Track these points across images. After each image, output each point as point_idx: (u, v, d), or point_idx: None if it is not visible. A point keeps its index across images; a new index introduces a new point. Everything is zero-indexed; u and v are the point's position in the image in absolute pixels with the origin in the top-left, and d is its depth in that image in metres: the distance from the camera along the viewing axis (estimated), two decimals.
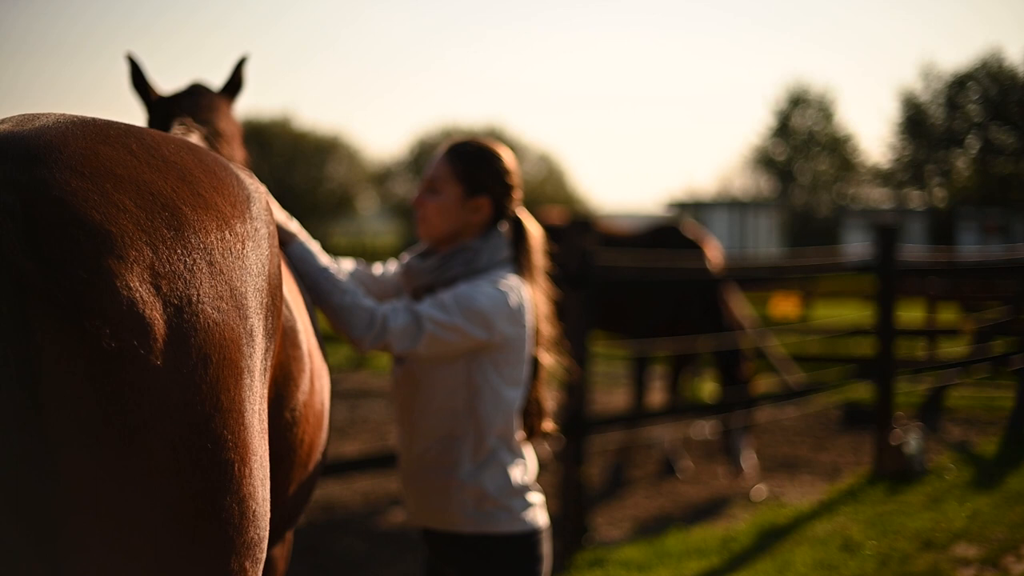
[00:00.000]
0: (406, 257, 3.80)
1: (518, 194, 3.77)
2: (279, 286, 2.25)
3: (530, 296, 3.68)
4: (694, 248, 10.45)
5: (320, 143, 64.65)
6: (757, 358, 15.07)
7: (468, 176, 3.66)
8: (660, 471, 10.39)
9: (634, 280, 9.44)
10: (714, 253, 10.62)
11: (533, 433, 3.78)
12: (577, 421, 7.61)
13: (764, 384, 12.34)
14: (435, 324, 3.45)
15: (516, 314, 3.57)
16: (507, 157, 3.74)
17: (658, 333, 10.19)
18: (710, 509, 9.15)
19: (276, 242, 2.25)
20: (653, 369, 10.63)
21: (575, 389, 7.64)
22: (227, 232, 2.01)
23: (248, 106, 68.23)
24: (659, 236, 10.69)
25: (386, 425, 12.32)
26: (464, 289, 3.52)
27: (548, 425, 3.83)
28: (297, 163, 62.65)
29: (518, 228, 3.75)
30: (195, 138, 3.34)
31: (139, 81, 3.74)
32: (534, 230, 3.79)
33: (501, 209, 3.72)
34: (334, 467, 6.33)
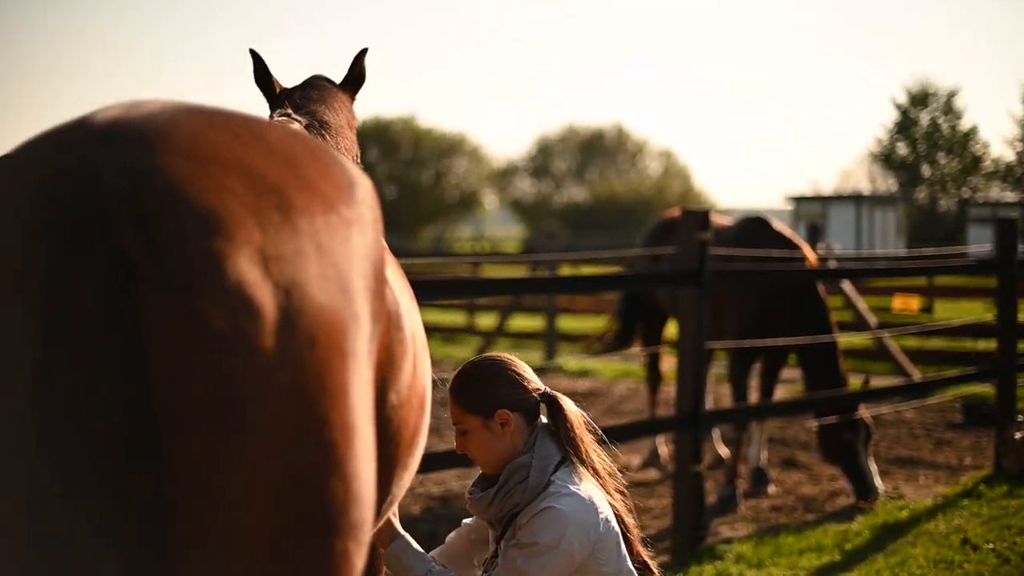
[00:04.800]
0: (470, 490, 3.79)
1: (530, 384, 3.71)
2: (383, 270, 2.25)
3: (587, 488, 3.60)
4: (784, 242, 9.85)
5: (444, 141, 65.25)
6: (879, 356, 14.93)
7: (474, 404, 3.64)
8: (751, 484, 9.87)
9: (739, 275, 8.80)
10: (807, 249, 10.05)
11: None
12: (694, 418, 7.59)
13: (884, 382, 12.23)
14: None
15: (586, 527, 3.51)
16: (497, 362, 3.73)
17: (746, 330, 9.56)
18: (827, 507, 9.14)
19: (380, 227, 2.25)
20: (752, 367, 10.07)
21: (693, 386, 7.64)
22: (333, 216, 2.02)
23: (374, 105, 69.28)
24: (745, 230, 10.12)
25: None
26: (527, 555, 3.47)
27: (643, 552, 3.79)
28: (421, 161, 63.34)
29: (552, 407, 3.72)
30: (296, 126, 3.40)
31: (262, 75, 3.87)
32: (568, 406, 3.74)
33: (524, 406, 3.68)
34: None
